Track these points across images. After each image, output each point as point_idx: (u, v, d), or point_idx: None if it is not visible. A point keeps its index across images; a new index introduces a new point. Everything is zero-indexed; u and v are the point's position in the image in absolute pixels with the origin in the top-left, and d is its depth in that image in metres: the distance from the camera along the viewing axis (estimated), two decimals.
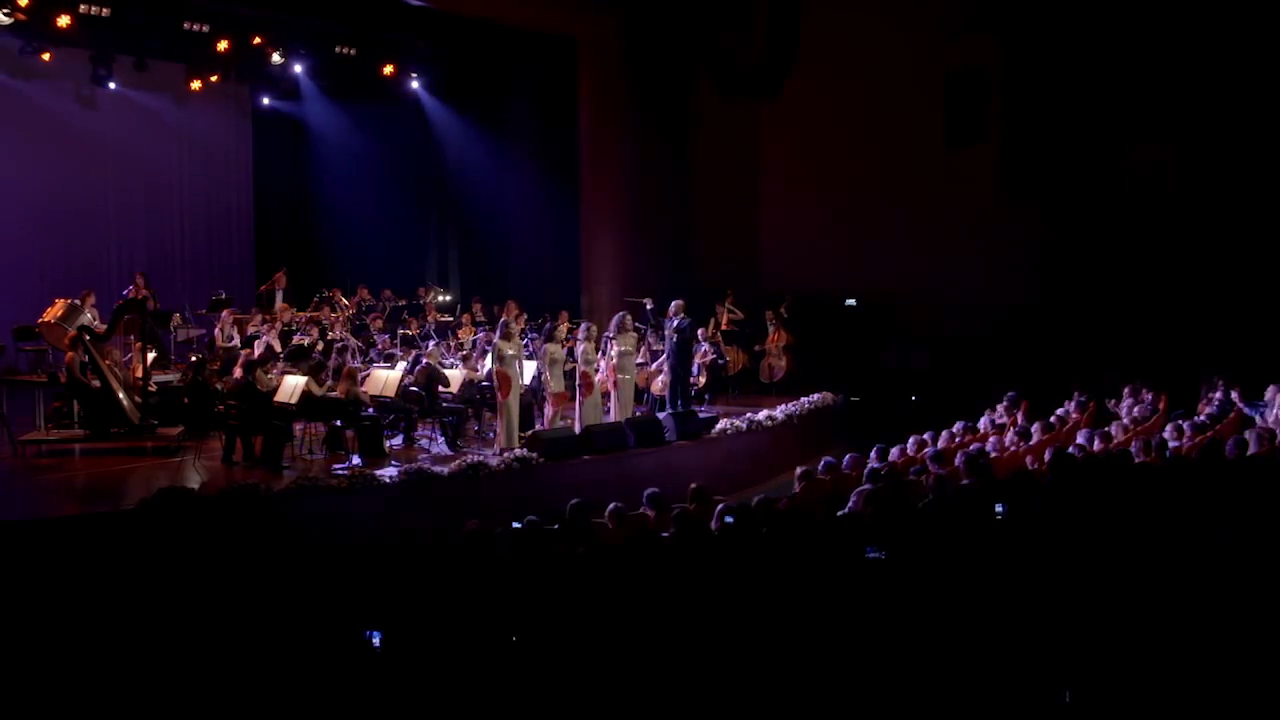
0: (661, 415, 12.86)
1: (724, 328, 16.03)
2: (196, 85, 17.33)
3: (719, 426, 13.13)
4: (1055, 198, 16.18)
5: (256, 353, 12.22)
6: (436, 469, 10.53)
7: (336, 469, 10.54)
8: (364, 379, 11.71)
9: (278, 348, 12.97)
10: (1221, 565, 4.29)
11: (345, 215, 19.11)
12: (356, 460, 10.87)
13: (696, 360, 14.53)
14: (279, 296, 15.60)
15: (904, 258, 16.68)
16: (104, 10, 14.63)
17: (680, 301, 13.01)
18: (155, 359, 12.63)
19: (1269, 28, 14.81)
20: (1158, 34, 15.72)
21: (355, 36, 17.41)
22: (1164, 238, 15.55)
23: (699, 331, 14.50)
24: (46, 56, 15.69)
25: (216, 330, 13.88)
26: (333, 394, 11.21)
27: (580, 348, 12.46)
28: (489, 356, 12.25)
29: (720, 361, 15.49)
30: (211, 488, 9.58)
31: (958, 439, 10.80)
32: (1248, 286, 15.14)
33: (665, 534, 6.91)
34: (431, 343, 12.62)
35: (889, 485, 8.55)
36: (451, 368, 12.60)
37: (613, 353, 12.75)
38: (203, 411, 11.34)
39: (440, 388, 12.08)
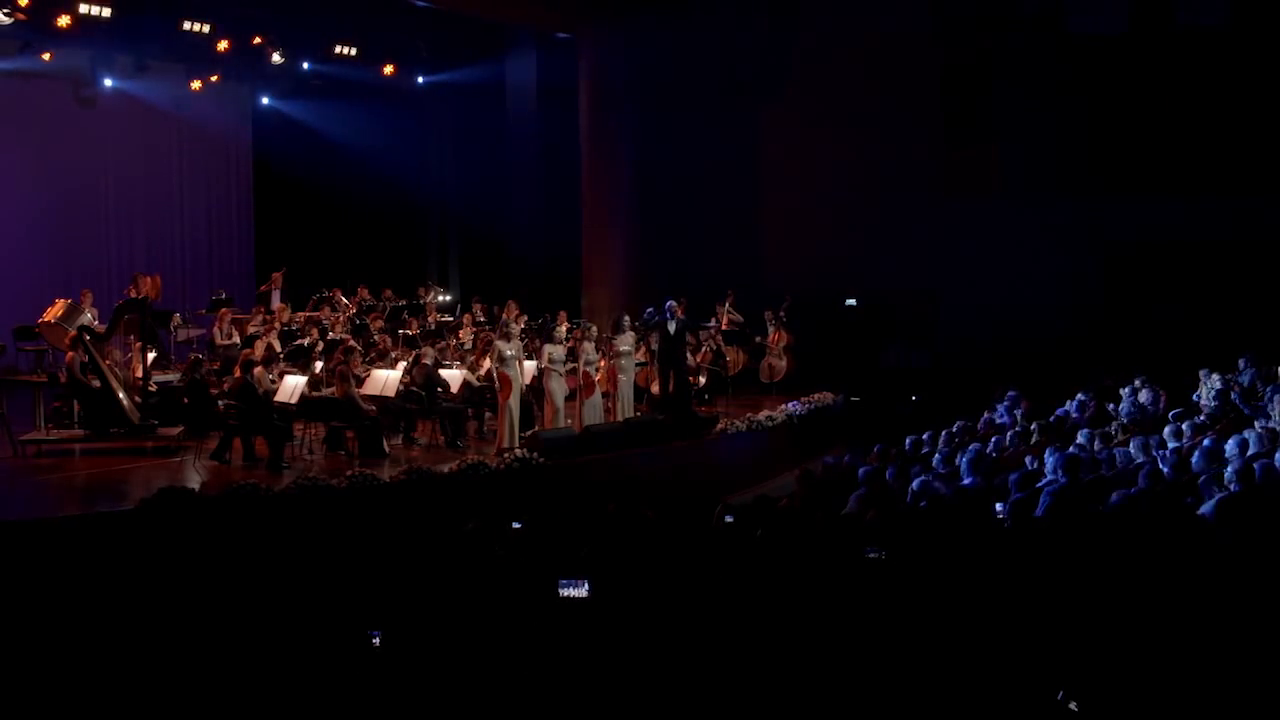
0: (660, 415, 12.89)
1: (724, 328, 16.02)
2: (196, 85, 17.33)
3: (719, 426, 13.14)
4: (1054, 196, 16.20)
5: (257, 353, 12.22)
6: (436, 469, 10.54)
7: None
8: (364, 379, 11.71)
9: (278, 348, 12.97)
10: (1222, 566, 4.30)
11: (346, 215, 19.12)
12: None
13: (695, 360, 14.55)
14: (275, 297, 15.59)
15: (904, 258, 16.69)
16: (104, 10, 14.62)
17: (672, 302, 13.10)
18: (155, 359, 12.62)
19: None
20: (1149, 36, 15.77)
21: (355, 36, 17.41)
22: (1162, 236, 15.58)
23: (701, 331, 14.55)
24: (47, 56, 15.69)
25: (215, 329, 13.88)
26: (328, 391, 11.24)
27: (581, 348, 12.47)
28: (489, 357, 12.25)
29: (720, 361, 15.50)
30: (211, 488, 9.57)
31: (958, 439, 10.79)
32: (1249, 285, 15.16)
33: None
34: (430, 350, 12.60)
35: (888, 486, 8.55)
36: (449, 368, 12.60)
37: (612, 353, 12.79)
38: (203, 411, 11.33)
39: (439, 390, 12.09)
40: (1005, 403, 12.80)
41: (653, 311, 13.01)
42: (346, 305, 15.63)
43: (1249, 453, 8.08)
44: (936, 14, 16.66)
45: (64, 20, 14.50)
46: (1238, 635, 3.72)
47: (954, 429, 11.21)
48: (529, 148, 19.58)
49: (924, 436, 10.79)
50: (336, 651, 4.72)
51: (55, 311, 12.55)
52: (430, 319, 15.72)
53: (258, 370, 10.99)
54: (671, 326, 12.88)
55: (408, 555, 6.63)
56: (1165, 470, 7.95)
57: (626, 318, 13.14)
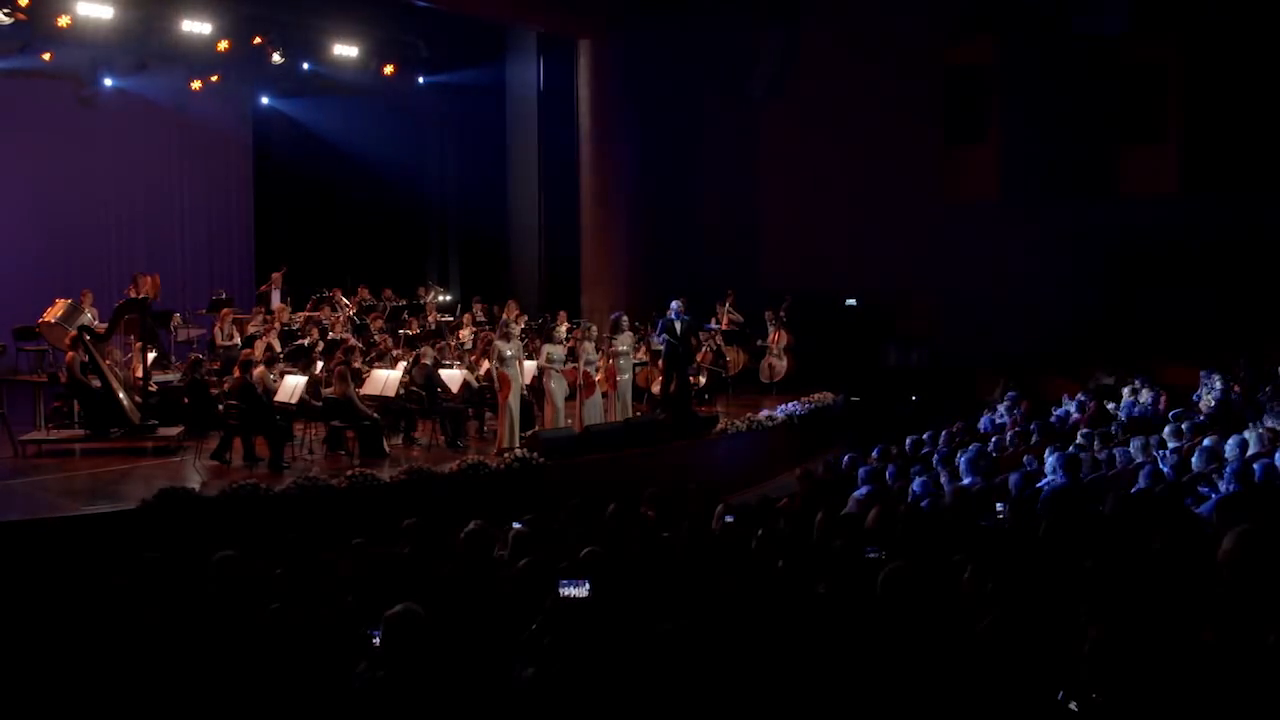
0: (660, 415, 12.89)
1: (724, 328, 16.03)
2: (196, 85, 17.32)
3: (719, 426, 13.14)
4: (1055, 197, 16.21)
5: (257, 353, 12.23)
6: (436, 469, 10.54)
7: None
8: (364, 379, 11.72)
9: (278, 348, 12.98)
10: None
11: (345, 215, 19.12)
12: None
13: (696, 360, 14.55)
14: (275, 296, 15.60)
15: (904, 258, 16.70)
16: (104, 10, 14.62)
17: (676, 302, 13.08)
18: (155, 359, 12.63)
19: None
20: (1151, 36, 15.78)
21: (355, 36, 17.41)
22: (1162, 236, 15.58)
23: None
24: (47, 56, 15.69)
25: (216, 329, 13.88)
26: (328, 391, 11.25)
27: (581, 348, 12.47)
28: (489, 357, 12.24)
29: (720, 361, 15.51)
30: (211, 488, 9.58)
31: (958, 439, 10.80)
32: (1249, 285, 15.16)
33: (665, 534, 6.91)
34: (430, 350, 12.59)
35: (888, 486, 8.56)
36: (449, 368, 12.61)
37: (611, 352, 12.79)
38: (203, 411, 11.34)
39: (439, 391, 12.10)
40: (1005, 403, 12.82)
41: (663, 322, 13.00)
42: (346, 305, 15.64)
43: (1249, 453, 8.10)
44: (938, 15, 16.68)
45: (64, 20, 14.49)
46: (1237, 635, 3.73)
47: (954, 429, 11.23)
48: (529, 148, 19.57)
49: (924, 436, 10.80)
50: (336, 651, 4.73)
51: (55, 311, 12.55)
52: (430, 319, 15.72)
53: (259, 370, 11.00)
54: (678, 326, 12.88)
55: (407, 555, 6.62)
56: (1165, 470, 7.96)
57: (625, 318, 13.14)
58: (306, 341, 13.39)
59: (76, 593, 6.33)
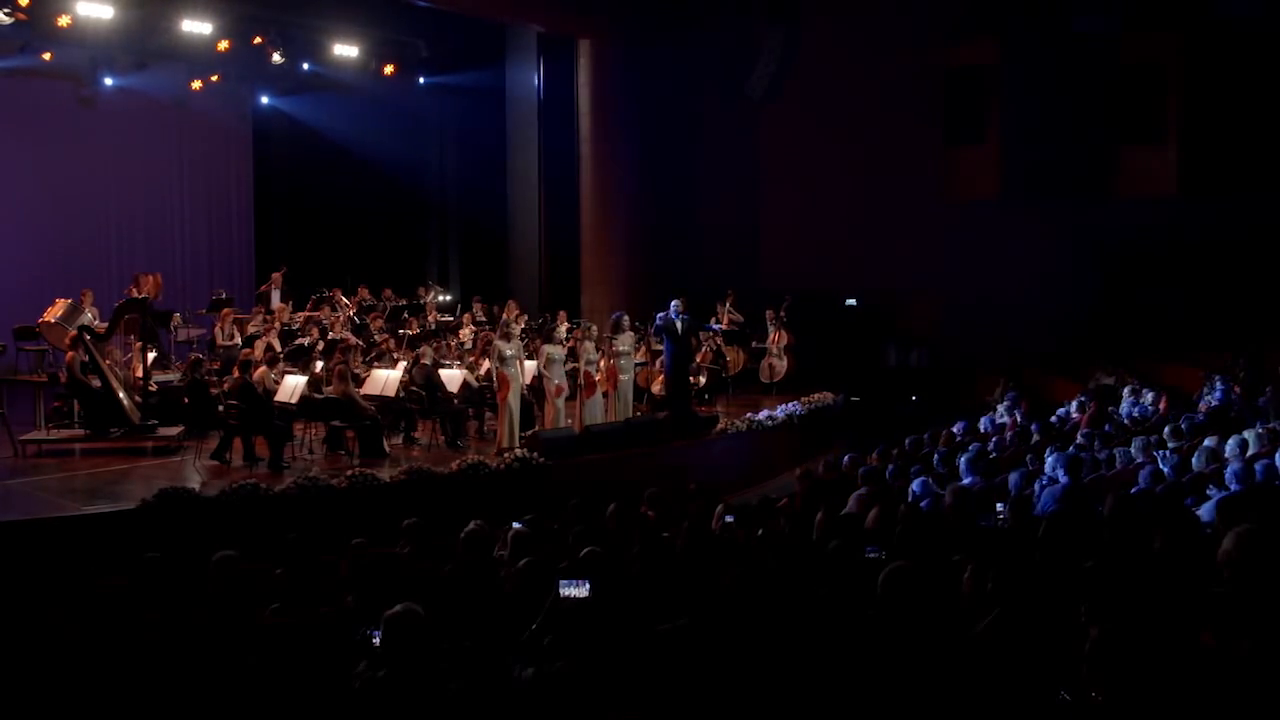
0: (660, 415, 12.89)
1: (724, 328, 16.03)
2: (197, 85, 17.32)
3: (719, 426, 13.14)
4: (1054, 197, 16.22)
5: (257, 353, 12.23)
6: (436, 469, 10.54)
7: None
8: (364, 379, 11.71)
9: (278, 347, 12.98)
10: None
11: (345, 214, 19.12)
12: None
13: (696, 360, 14.54)
14: (275, 296, 15.60)
15: (904, 258, 16.71)
16: (104, 10, 14.62)
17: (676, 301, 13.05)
18: (155, 359, 12.62)
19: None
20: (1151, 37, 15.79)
21: (355, 36, 17.41)
22: (1161, 237, 15.59)
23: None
24: (47, 56, 15.69)
25: (216, 329, 13.88)
26: (329, 391, 11.24)
27: (581, 348, 12.47)
28: (489, 357, 12.24)
29: (720, 361, 15.50)
30: (211, 488, 9.58)
31: (958, 439, 10.80)
32: (1249, 284, 15.17)
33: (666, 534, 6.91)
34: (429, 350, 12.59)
35: (888, 486, 8.56)
36: (449, 368, 12.61)
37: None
38: (203, 411, 11.33)
39: (439, 393, 12.09)
40: (1005, 403, 12.83)
41: (661, 320, 12.95)
42: (346, 305, 15.63)
43: (1249, 453, 8.09)
44: (938, 15, 16.68)
45: (64, 20, 14.48)
46: (1237, 635, 3.72)
47: (955, 429, 11.23)
48: (529, 148, 19.57)
49: (924, 436, 10.80)
50: (336, 651, 4.73)
51: (55, 311, 12.55)
52: (430, 319, 15.72)
53: (261, 370, 11.00)
54: (679, 325, 12.86)
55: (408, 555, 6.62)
56: (1165, 470, 7.96)
57: (625, 317, 13.14)
58: (306, 341, 13.38)
59: (76, 593, 6.33)
